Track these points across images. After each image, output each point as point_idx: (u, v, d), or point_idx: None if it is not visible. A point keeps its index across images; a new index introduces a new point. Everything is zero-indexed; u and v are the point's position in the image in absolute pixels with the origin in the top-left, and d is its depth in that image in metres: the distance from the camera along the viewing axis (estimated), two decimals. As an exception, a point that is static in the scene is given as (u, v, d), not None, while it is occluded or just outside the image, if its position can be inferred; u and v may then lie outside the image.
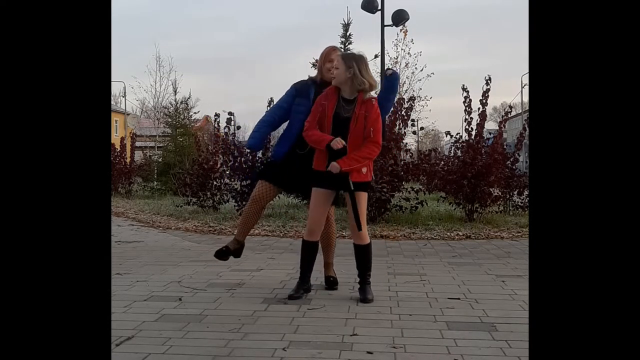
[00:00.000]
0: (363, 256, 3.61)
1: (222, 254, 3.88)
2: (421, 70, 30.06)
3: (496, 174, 7.65)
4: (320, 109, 3.48)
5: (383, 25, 9.03)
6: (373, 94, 3.58)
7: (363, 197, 3.57)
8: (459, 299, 3.57)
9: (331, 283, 3.90)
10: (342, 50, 3.93)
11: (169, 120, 16.05)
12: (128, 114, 42.09)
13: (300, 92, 3.85)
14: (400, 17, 9.29)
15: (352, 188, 3.45)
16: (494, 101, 75.86)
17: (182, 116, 15.82)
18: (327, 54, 3.82)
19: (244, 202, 8.32)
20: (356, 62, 3.44)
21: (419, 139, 34.11)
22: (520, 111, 40.06)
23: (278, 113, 3.92)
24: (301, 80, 3.97)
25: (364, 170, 3.48)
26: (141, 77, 77.57)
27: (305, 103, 3.77)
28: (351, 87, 3.44)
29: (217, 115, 9.85)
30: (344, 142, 3.38)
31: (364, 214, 3.57)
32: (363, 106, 3.43)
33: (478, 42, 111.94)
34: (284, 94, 3.95)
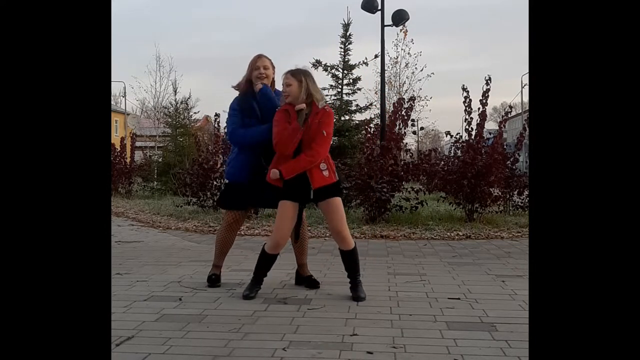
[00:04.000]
0: (350, 260, 3.63)
1: (214, 282, 3.97)
2: (421, 70, 30.17)
3: (496, 174, 7.65)
4: (287, 118, 3.50)
5: (383, 25, 9.01)
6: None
7: (337, 202, 3.53)
8: (459, 299, 3.57)
9: (313, 282, 3.93)
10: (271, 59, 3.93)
11: (169, 120, 16.05)
12: (128, 114, 42.09)
13: (246, 111, 3.84)
14: (400, 17, 9.27)
15: (312, 197, 3.49)
16: (494, 101, 76.07)
17: (182, 116, 15.83)
18: (254, 62, 3.86)
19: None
20: (305, 76, 3.54)
21: (419, 139, 34.13)
22: (520, 111, 40.07)
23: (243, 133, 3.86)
24: (238, 97, 3.92)
25: (326, 173, 3.50)
26: (141, 77, 77.71)
27: (255, 122, 3.79)
28: (303, 101, 3.51)
29: (217, 115, 9.86)
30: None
31: (343, 219, 3.55)
32: (317, 116, 3.48)
33: (478, 42, 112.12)
34: (229, 116, 3.91)
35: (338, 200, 3.54)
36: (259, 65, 3.84)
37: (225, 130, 4.16)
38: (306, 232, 4.00)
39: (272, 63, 3.92)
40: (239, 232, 6.79)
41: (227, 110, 3.96)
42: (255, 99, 3.83)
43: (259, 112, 3.80)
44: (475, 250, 5.57)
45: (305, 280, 3.97)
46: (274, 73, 3.92)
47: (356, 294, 3.54)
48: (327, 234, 6.56)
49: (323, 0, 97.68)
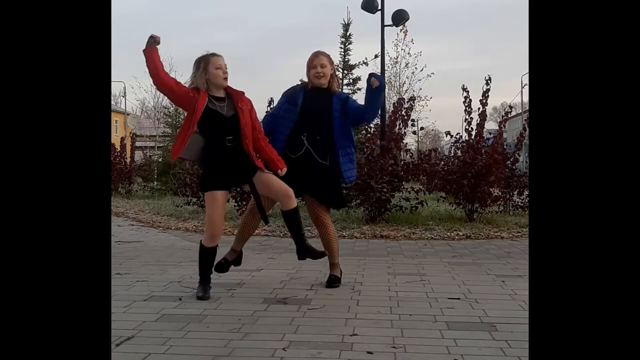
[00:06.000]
0: (297, 219, 3.65)
1: (222, 267, 3.94)
2: (421, 70, 30.21)
3: (496, 174, 7.65)
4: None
5: (383, 25, 9.00)
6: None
7: (267, 172, 3.61)
8: (459, 299, 3.57)
9: (331, 281, 3.93)
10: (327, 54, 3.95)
11: (169, 120, 16.04)
12: (128, 114, 42.10)
13: (289, 99, 3.88)
14: (400, 17, 9.26)
15: (249, 176, 3.56)
16: (494, 101, 76.21)
17: (182, 116, 15.80)
18: (311, 61, 3.87)
19: (244, 202, 8.32)
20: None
21: (419, 139, 34.15)
22: (520, 111, 40.07)
23: (270, 120, 3.97)
24: (291, 87, 3.99)
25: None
26: (141, 77, 77.46)
27: (293, 109, 3.81)
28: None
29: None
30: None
31: (280, 180, 3.60)
32: (244, 103, 3.61)
33: (478, 42, 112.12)
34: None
35: (266, 171, 3.60)
36: (315, 64, 3.81)
37: None
38: (330, 234, 3.95)
39: (330, 59, 3.89)
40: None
41: None
42: (304, 92, 3.86)
43: (299, 106, 3.81)
44: (475, 250, 5.57)
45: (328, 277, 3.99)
46: (332, 69, 3.90)
47: (312, 253, 3.67)
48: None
49: (323, 1, 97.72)
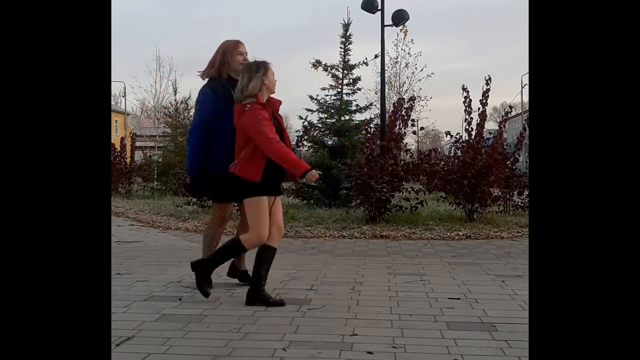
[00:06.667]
0: (265, 258, 3.50)
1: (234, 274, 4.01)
2: (421, 70, 30.25)
3: (496, 174, 7.65)
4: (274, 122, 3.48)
5: (383, 25, 9.00)
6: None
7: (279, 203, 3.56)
8: (459, 299, 3.57)
9: (242, 277, 3.97)
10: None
11: (169, 120, 16.05)
12: (128, 114, 42.12)
13: (222, 96, 3.64)
14: (400, 17, 9.26)
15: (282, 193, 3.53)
16: (494, 101, 76.31)
17: (182, 116, 15.81)
18: (236, 47, 3.76)
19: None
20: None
21: (419, 139, 34.16)
22: (520, 111, 40.09)
23: (201, 133, 3.72)
24: (207, 86, 3.74)
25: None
26: (141, 77, 77.82)
27: (231, 109, 3.53)
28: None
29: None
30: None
31: (281, 216, 3.58)
32: (276, 106, 3.57)
33: (478, 42, 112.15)
34: (198, 102, 3.73)
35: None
36: (242, 50, 3.78)
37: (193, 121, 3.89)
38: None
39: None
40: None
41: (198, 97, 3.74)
42: (232, 85, 3.61)
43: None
44: (475, 250, 5.57)
45: (239, 274, 4.01)
46: None
47: (266, 300, 3.41)
48: (327, 234, 6.57)
49: (323, 0, 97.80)
